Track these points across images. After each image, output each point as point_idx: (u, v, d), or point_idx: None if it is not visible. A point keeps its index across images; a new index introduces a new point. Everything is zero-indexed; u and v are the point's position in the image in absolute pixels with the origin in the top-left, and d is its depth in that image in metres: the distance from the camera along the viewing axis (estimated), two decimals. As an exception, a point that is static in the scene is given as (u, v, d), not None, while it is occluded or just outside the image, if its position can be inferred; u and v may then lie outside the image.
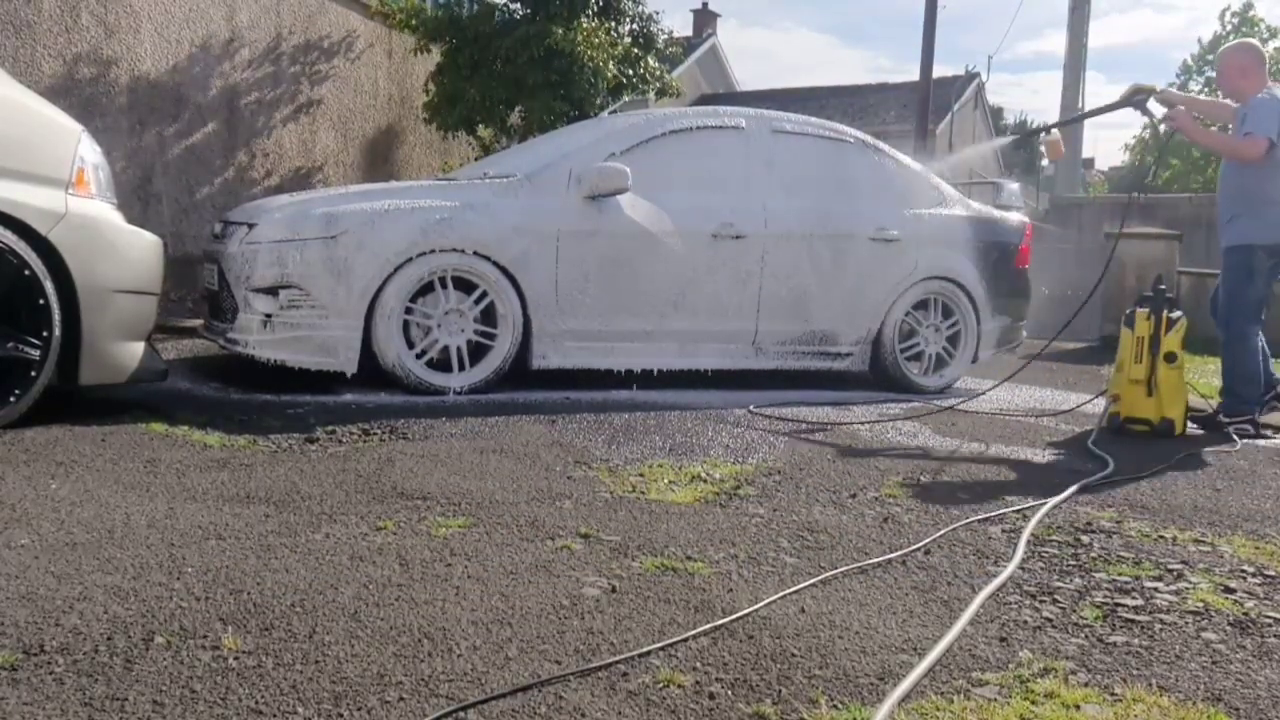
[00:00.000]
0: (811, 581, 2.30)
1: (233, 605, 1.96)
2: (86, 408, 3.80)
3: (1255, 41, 5.29)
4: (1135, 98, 5.12)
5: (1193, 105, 5.32)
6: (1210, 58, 33.15)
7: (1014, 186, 6.72)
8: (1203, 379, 6.25)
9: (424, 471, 3.14)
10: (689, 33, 27.05)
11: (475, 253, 4.65)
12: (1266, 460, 4.20)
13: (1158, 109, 5.11)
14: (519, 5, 9.10)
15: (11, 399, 3.36)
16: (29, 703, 1.54)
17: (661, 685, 1.73)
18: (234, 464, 3.13)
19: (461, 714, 1.59)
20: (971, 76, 29.13)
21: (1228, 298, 4.90)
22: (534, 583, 2.19)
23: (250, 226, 4.61)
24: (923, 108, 15.47)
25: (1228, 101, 5.18)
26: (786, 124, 5.69)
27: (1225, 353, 4.95)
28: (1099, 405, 5.14)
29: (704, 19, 28.62)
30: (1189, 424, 4.81)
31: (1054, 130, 5.69)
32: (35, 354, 3.39)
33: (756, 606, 2.11)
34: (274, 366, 4.47)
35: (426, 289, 4.62)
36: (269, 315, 4.45)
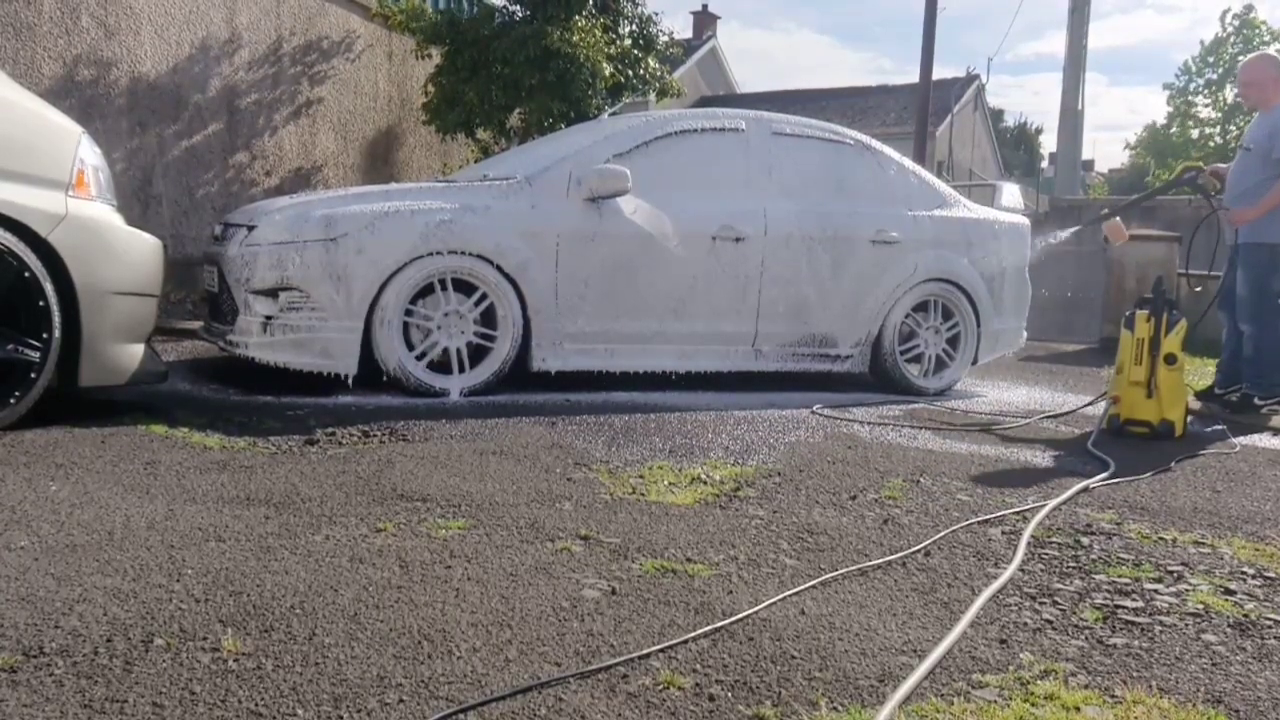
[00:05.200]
0: (811, 583, 2.30)
1: (232, 607, 1.95)
2: (86, 410, 3.80)
3: (1274, 53, 5.64)
4: (1185, 175, 5.64)
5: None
6: (1211, 59, 33.17)
7: (1014, 188, 6.73)
8: (1201, 381, 6.24)
9: (424, 473, 3.14)
10: (689, 35, 27.08)
11: (475, 255, 4.65)
12: (1266, 462, 4.20)
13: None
14: (518, 7, 9.11)
15: (11, 400, 3.36)
16: (28, 704, 1.54)
17: (661, 687, 1.73)
18: (234, 466, 3.13)
19: (461, 716, 1.59)
20: (971, 78, 29.17)
21: (1255, 292, 5.26)
22: (534, 584, 2.19)
23: (250, 228, 4.61)
24: (922, 110, 15.49)
25: None
26: (786, 126, 5.69)
27: (1252, 341, 5.31)
28: (1099, 407, 5.15)
29: (704, 21, 28.66)
30: (1221, 408, 5.33)
31: (1116, 217, 5.84)
32: (35, 355, 3.39)
33: (756, 608, 2.11)
34: (274, 368, 4.47)
35: (426, 291, 4.62)
36: (269, 317, 4.45)
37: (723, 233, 5.23)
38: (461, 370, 4.72)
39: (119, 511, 2.55)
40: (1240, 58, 32.56)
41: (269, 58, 8.65)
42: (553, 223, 4.86)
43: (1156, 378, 4.62)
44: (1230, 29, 33.05)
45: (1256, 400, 5.34)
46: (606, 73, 8.88)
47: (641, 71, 9.53)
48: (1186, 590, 2.42)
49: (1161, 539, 2.88)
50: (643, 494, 3.07)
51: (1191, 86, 34.14)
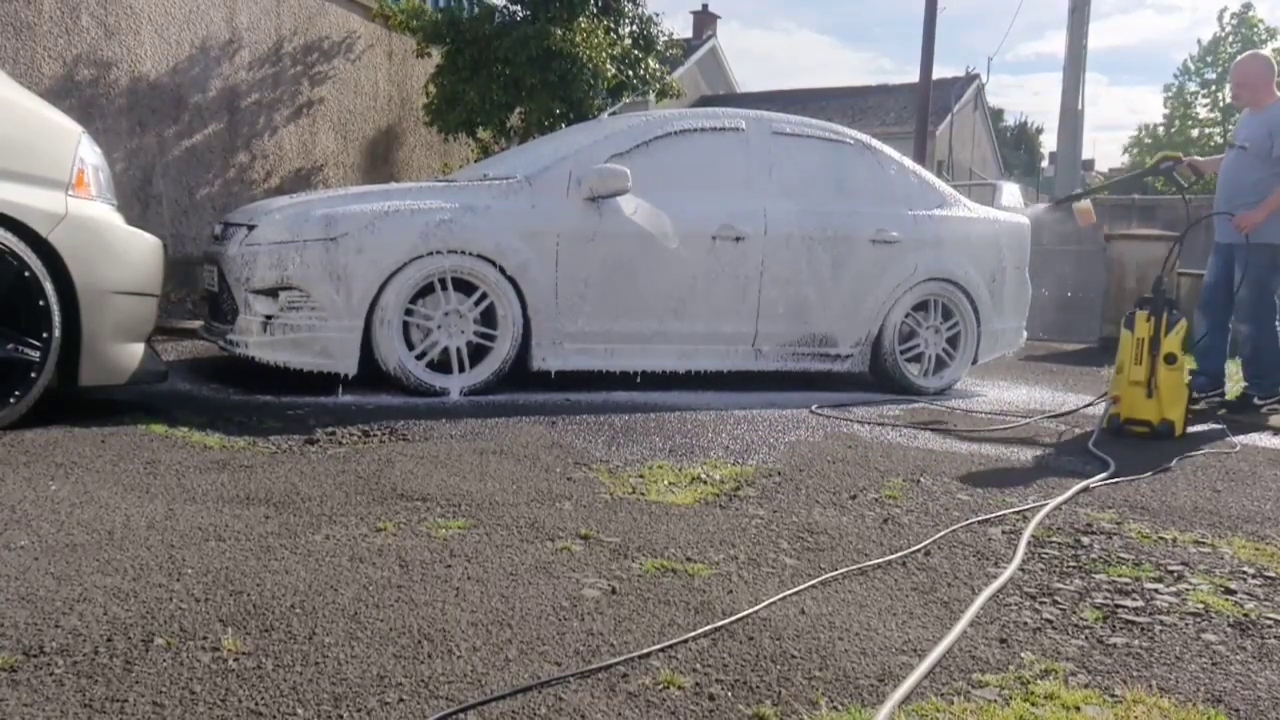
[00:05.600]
0: (811, 583, 2.30)
1: (232, 606, 1.95)
2: (86, 409, 3.80)
3: (1266, 53, 5.62)
4: (1163, 165, 5.58)
5: (1209, 166, 5.73)
6: (1209, 59, 33.17)
7: (1014, 188, 6.73)
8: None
9: (424, 473, 3.14)
10: (689, 35, 27.07)
11: (475, 255, 4.65)
12: (1266, 462, 4.20)
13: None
14: (519, 7, 9.11)
15: (11, 400, 3.36)
16: (29, 704, 1.54)
17: (661, 686, 1.73)
18: (234, 465, 3.13)
19: (461, 715, 1.59)
20: (971, 78, 29.17)
21: (1257, 292, 5.25)
22: (534, 584, 2.19)
23: (250, 228, 4.61)
24: (922, 110, 15.49)
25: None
26: (786, 126, 5.69)
27: (1251, 342, 5.30)
28: (1099, 407, 5.15)
29: (704, 21, 28.66)
30: (1217, 411, 5.27)
31: (1085, 199, 5.79)
32: (35, 355, 3.39)
33: (756, 608, 2.11)
34: (274, 368, 4.47)
35: (426, 290, 4.63)
36: (269, 317, 4.45)
37: (723, 232, 5.23)
38: (461, 370, 4.72)
39: (119, 511, 2.55)
40: (1238, 56, 32.45)
41: (269, 58, 8.65)
42: (553, 222, 4.86)
43: (1156, 377, 4.62)
44: (1229, 27, 33.05)
45: (1256, 400, 5.34)
46: (609, 74, 8.88)
47: (642, 71, 9.54)
48: (1186, 590, 2.42)
49: (1161, 539, 2.88)
50: (643, 494, 3.07)
51: (1190, 87, 34.14)
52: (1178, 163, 5.59)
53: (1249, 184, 5.25)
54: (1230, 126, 30.86)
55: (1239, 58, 5.62)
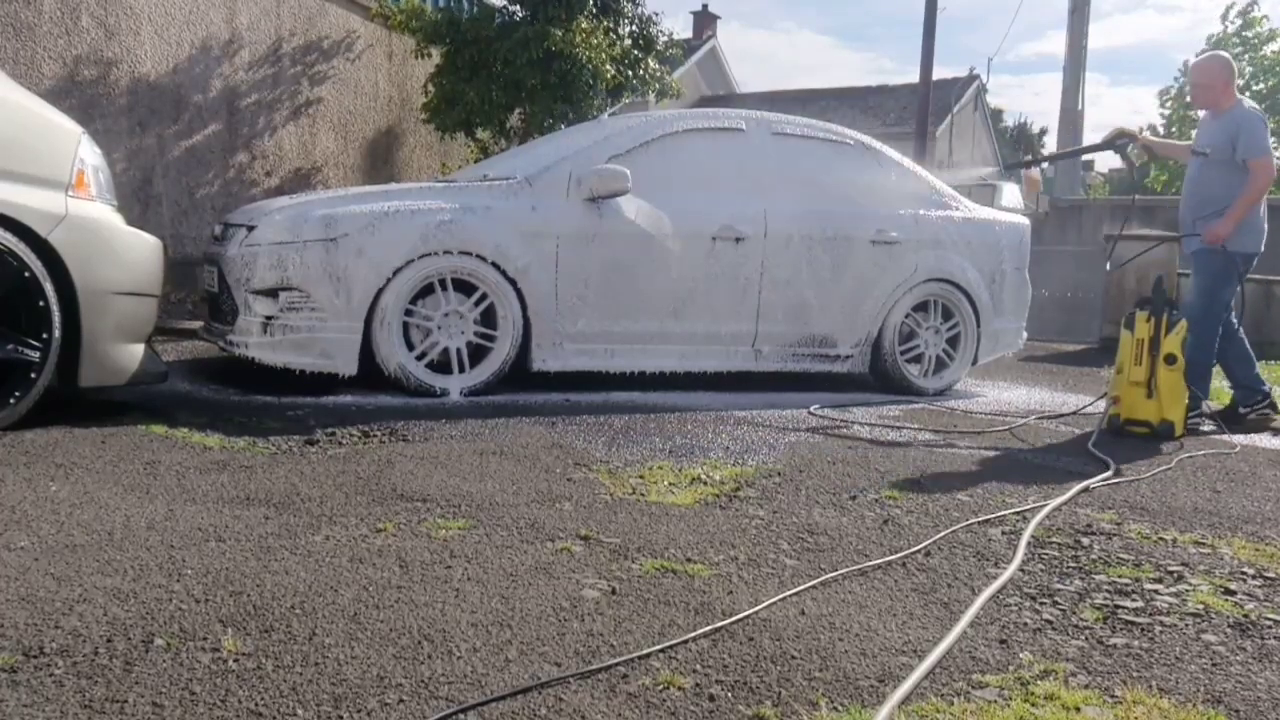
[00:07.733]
0: (811, 583, 2.30)
1: (232, 607, 1.95)
2: (86, 410, 3.80)
3: (1226, 54, 5.40)
4: (1118, 141, 5.49)
5: (1164, 149, 5.70)
6: (1210, 60, 33.08)
7: (1014, 188, 6.74)
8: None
9: (424, 473, 3.14)
10: (689, 35, 27.06)
11: (475, 255, 4.65)
12: (1266, 462, 4.21)
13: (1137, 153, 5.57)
14: (518, 7, 9.11)
15: (11, 400, 3.36)
16: (28, 704, 1.54)
17: (661, 687, 1.73)
18: (234, 466, 3.13)
19: (461, 716, 1.59)
20: (971, 79, 29.16)
21: (1206, 300, 5.06)
22: (534, 585, 2.19)
23: (250, 229, 4.61)
24: (922, 110, 15.49)
25: (1184, 143, 5.73)
26: (786, 126, 5.69)
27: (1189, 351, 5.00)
28: (1099, 407, 5.15)
29: (704, 21, 28.63)
30: (1201, 424, 5.05)
31: (1034, 168, 5.79)
32: (35, 356, 3.39)
33: (757, 608, 2.11)
34: (273, 368, 4.47)
35: (426, 290, 4.63)
36: (269, 318, 4.45)
37: (723, 233, 5.23)
38: (461, 370, 4.72)
39: (119, 511, 2.55)
40: (1199, 56, 32.29)
41: (269, 58, 8.65)
42: (553, 223, 4.86)
43: (1156, 378, 4.62)
44: (1232, 26, 32.98)
45: (1241, 409, 5.24)
46: (608, 75, 8.88)
47: (641, 72, 9.54)
48: (1186, 590, 2.42)
49: (1161, 539, 2.88)
50: (643, 494, 3.07)
51: (1188, 88, 34.08)
52: (1132, 140, 5.44)
53: (1219, 192, 4.97)
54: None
55: (1199, 58, 5.34)
